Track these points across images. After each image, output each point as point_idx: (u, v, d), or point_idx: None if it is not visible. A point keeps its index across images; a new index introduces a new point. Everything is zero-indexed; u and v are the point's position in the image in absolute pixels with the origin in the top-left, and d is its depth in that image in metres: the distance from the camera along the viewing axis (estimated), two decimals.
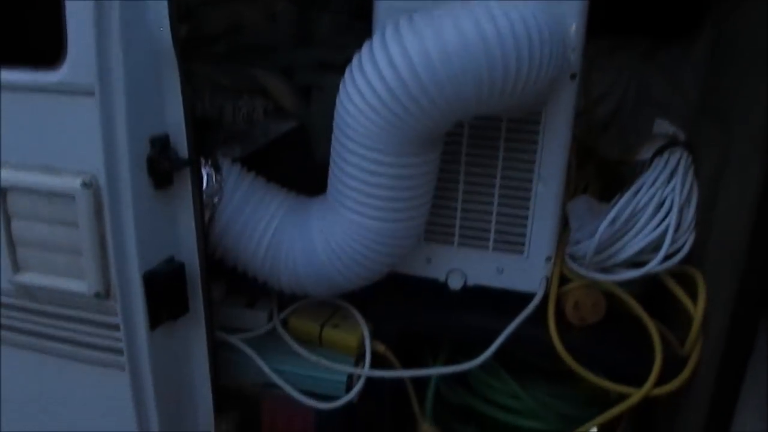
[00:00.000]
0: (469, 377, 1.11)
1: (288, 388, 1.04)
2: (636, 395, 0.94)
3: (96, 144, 0.80)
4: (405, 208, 0.91)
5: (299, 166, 1.15)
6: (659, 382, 0.93)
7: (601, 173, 1.17)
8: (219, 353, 1.01)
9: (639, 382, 0.95)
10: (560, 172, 0.96)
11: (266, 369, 1.05)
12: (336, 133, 0.89)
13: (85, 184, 0.82)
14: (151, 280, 0.86)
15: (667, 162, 0.96)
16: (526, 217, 0.99)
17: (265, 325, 1.11)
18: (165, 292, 0.89)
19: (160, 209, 0.87)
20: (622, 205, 0.93)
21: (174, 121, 0.84)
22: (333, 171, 0.92)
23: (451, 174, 0.99)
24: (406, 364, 1.07)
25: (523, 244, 1.01)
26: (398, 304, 1.07)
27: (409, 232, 0.94)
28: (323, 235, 0.95)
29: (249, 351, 1.06)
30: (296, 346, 1.07)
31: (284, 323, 1.10)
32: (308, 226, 0.97)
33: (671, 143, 1.01)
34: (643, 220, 0.92)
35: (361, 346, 1.05)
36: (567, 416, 1.07)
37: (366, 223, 0.91)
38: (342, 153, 0.88)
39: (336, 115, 0.88)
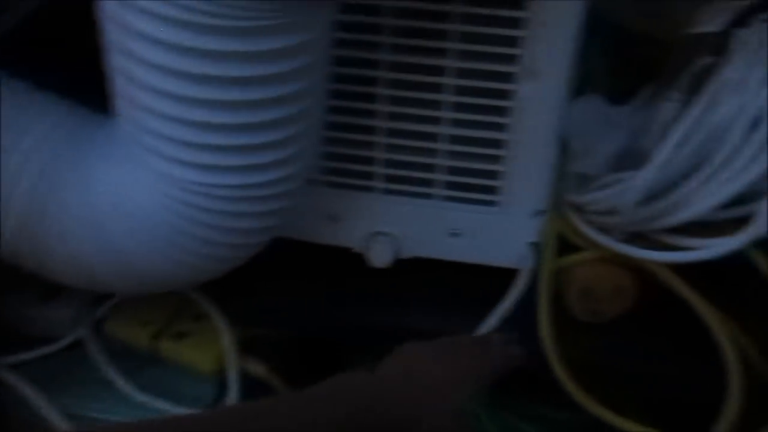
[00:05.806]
0: None
1: None
2: None
3: None
4: (271, 145, 0.45)
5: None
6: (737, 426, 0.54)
7: (622, 60, 0.71)
8: None
9: (693, 425, 0.55)
10: (565, 58, 0.51)
11: (55, 418, 0.61)
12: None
13: None
14: None
15: (761, 37, 0.52)
16: (500, 141, 0.55)
17: (69, 334, 0.66)
18: None
19: None
20: (691, 123, 0.49)
21: None
22: (119, 82, 0.45)
23: (367, 68, 0.53)
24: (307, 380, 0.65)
25: (494, 188, 0.57)
26: (284, 294, 0.62)
27: (280, 184, 0.49)
28: (114, 199, 0.49)
29: (25, 388, 0.61)
30: (112, 373, 0.63)
31: (98, 328, 0.66)
32: (91, 176, 0.51)
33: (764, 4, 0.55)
34: (725, 152, 0.48)
35: (224, 366, 0.62)
36: None
37: (188, 176, 0.45)
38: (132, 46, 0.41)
39: None
